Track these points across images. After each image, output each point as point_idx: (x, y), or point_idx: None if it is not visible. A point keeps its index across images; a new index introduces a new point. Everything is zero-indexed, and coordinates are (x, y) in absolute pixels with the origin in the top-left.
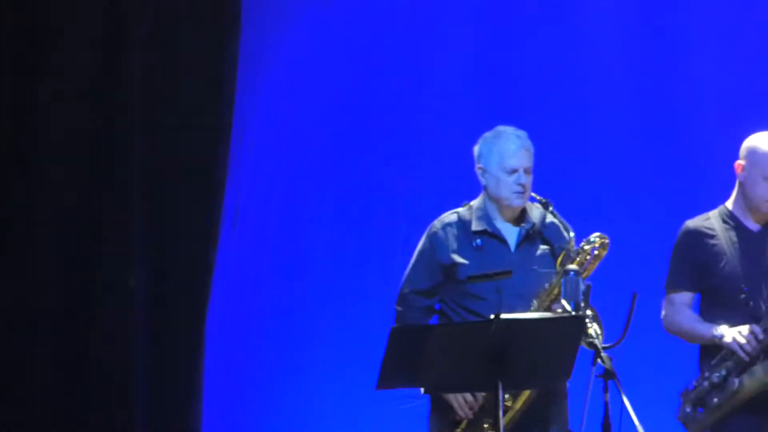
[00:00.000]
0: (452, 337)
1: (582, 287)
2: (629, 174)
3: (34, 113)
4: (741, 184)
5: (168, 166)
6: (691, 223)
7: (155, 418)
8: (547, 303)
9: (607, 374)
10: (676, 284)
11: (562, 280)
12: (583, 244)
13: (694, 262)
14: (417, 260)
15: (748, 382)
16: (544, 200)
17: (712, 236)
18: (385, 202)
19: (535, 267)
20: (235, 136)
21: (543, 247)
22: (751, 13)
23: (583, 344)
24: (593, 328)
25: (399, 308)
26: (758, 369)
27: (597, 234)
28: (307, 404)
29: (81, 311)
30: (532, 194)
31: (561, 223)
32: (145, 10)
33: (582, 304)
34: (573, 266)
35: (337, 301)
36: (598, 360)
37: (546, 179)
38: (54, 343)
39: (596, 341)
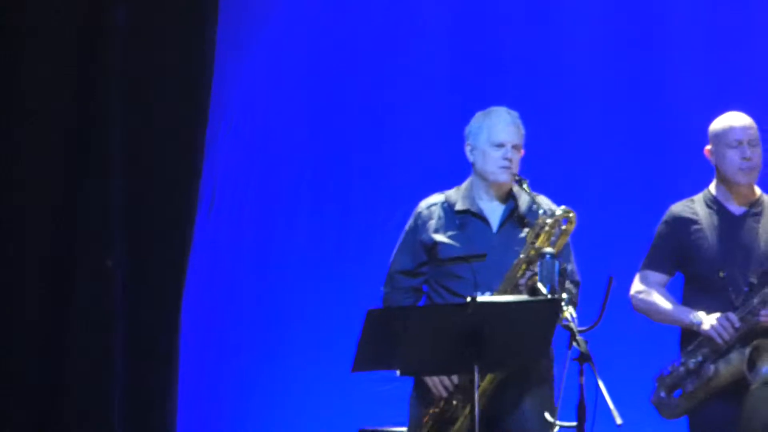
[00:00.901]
0: (428, 319)
1: (557, 270)
2: (606, 157)
3: (11, 92)
4: (716, 168)
5: (145, 150)
6: (675, 207)
7: (132, 398)
8: (514, 280)
9: (582, 357)
10: (653, 265)
11: (538, 263)
12: (543, 217)
13: (675, 247)
14: (403, 240)
15: (724, 369)
16: (518, 177)
17: (696, 221)
18: (363, 190)
19: (517, 248)
20: (213, 122)
21: (526, 230)
22: (735, 8)
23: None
24: (569, 311)
25: (386, 289)
26: (734, 356)
27: (562, 207)
28: (283, 387)
29: (58, 292)
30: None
31: (533, 198)
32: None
33: (557, 287)
34: (548, 249)
35: (313, 286)
36: (574, 343)
37: (523, 165)
38: (30, 325)
39: (572, 324)
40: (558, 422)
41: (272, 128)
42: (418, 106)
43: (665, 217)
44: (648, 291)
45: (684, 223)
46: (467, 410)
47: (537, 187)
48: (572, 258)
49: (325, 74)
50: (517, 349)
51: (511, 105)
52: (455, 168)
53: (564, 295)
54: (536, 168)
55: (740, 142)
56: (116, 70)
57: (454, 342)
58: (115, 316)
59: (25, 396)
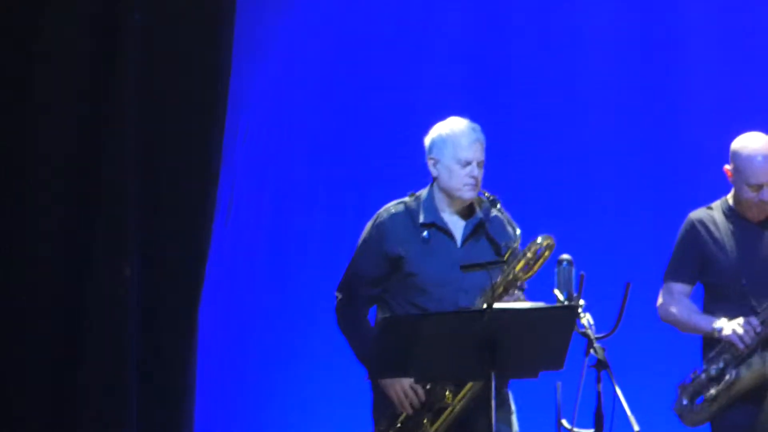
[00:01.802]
0: (444, 326)
1: (575, 277)
2: (622, 165)
3: (28, 104)
4: (733, 186)
5: (162, 158)
6: (694, 215)
7: (147, 407)
8: (491, 301)
9: (599, 364)
10: (677, 275)
11: (555, 270)
12: (529, 245)
13: (695, 255)
14: (363, 249)
15: (746, 374)
16: (492, 197)
17: (714, 229)
18: (379, 195)
19: (480, 264)
20: (229, 128)
21: (487, 243)
22: (743, 12)
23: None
24: (586, 318)
25: (340, 295)
26: (756, 360)
27: (543, 235)
28: (300, 394)
29: (75, 300)
30: (481, 190)
31: (508, 220)
32: (136, 3)
33: (575, 294)
34: (566, 255)
35: (331, 294)
36: (591, 350)
37: (540, 171)
38: (48, 331)
39: (589, 331)
40: (576, 429)
41: (288, 135)
42: (438, 110)
43: (684, 225)
44: (672, 302)
45: (703, 232)
46: (434, 429)
47: (551, 195)
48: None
49: (343, 79)
50: (533, 356)
51: (523, 112)
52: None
53: (582, 302)
54: (553, 174)
55: (760, 187)
56: (132, 75)
57: (469, 349)
58: (131, 323)
59: (39, 400)
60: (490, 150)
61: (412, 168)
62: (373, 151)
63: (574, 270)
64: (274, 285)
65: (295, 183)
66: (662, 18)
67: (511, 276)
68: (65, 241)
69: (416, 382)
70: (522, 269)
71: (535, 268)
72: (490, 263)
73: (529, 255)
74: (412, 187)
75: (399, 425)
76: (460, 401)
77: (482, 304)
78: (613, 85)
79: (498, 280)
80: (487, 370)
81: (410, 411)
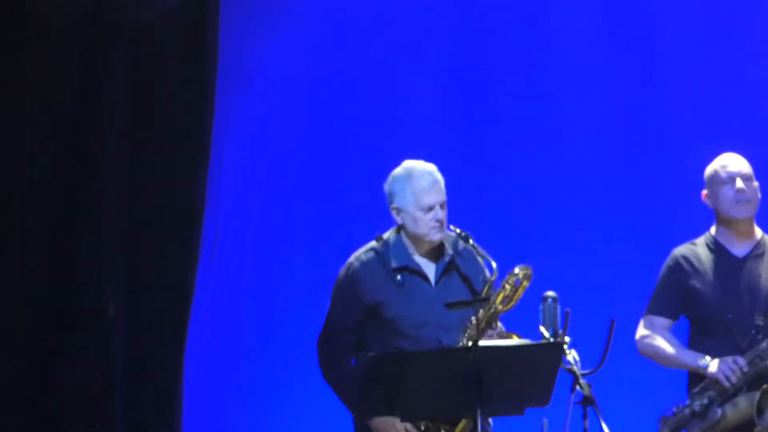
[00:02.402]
0: (430, 364)
1: (560, 313)
2: (607, 201)
3: (8, 141)
4: (715, 211)
5: (145, 193)
6: (678, 250)
7: None
8: (474, 336)
9: (586, 401)
10: (659, 309)
11: (540, 307)
12: (507, 277)
13: (679, 289)
14: (339, 298)
15: (731, 413)
16: (463, 233)
17: (698, 264)
18: (365, 228)
19: (456, 299)
20: (213, 163)
21: (460, 280)
22: (728, 21)
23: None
24: (572, 354)
25: (327, 348)
26: (742, 400)
27: (520, 266)
28: (284, 428)
29: (58, 339)
30: (451, 227)
31: (479, 253)
32: (122, 34)
33: (560, 331)
34: (551, 293)
35: (315, 325)
36: (577, 386)
37: (523, 206)
38: (31, 372)
39: (575, 367)
40: None
41: (273, 169)
42: (417, 142)
43: (668, 260)
44: (653, 336)
45: (687, 267)
46: None
47: (538, 224)
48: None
49: (324, 113)
50: (520, 393)
51: (514, 133)
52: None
53: (567, 338)
54: (537, 210)
55: (732, 178)
56: (116, 108)
57: (456, 386)
58: (116, 363)
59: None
60: (474, 182)
61: None
62: (357, 184)
63: (559, 307)
64: (260, 319)
65: (280, 217)
66: (644, 28)
67: (492, 309)
68: (49, 281)
69: (402, 420)
70: (502, 301)
71: (515, 298)
72: (474, 300)
73: (507, 286)
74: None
75: None
76: (462, 425)
77: (466, 340)
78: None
79: (480, 314)
80: (473, 407)
81: None
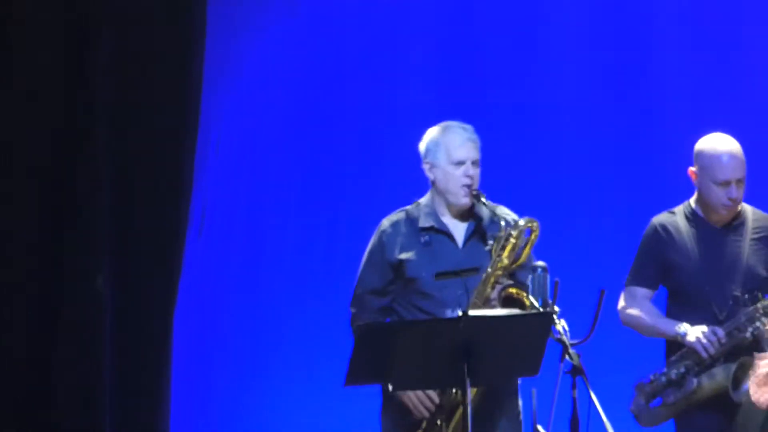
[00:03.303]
0: (420, 334)
1: (549, 284)
2: (596, 171)
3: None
4: (698, 189)
5: (134, 170)
6: (657, 219)
7: (122, 419)
8: (485, 295)
9: (575, 370)
10: (639, 279)
11: (530, 277)
12: (510, 229)
13: (657, 260)
14: (368, 259)
15: (707, 384)
16: (475, 192)
17: (677, 234)
18: (352, 205)
19: (482, 263)
20: (201, 140)
21: (490, 244)
22: (716, 13)
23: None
24: (561, 324)
25: (354, 310)
26: (718, 371)
27: (525, 218)
28: (274, 405)
29: (48, 311)
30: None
31: (493, 211)
32: (110, 13)
33: (550, 301)
34: (540, 263)
35: (303, 303)
36: (566, 356)
37: (512, 178)
38: (20, 343)
39: (564, 337)
40: None
41: (260, 147)
42: (408, 124)
43: (647, 229)
44: (634, 306)
45: (665, 237)
46: (451, 429)
47: (529, 198)
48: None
49: (312, 92)
50: (509, 363)
51: (498, 117)
52: None
53: (556, 308)
54: (527, 180)
55: (728, 183)
56: (103, 92)
57: (445, 356)
58: (105, 339)
59: (13, 409)
60: None
61: (386, 180)
62: (344, 164)
63: (548, 277)
64: (248, 297)
65: (268, 194)
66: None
67: (500, 264)
68: (38, 253)
69: (393, 390)
70: (509, 256)
71: (524, 254)
72: (463, 271)
73: (513, 240)
74: (387, 199)
75: (420, 431)
76: (474, 396)
77: (476, 301)
78: (587, 92)
79: (488, 270)
80: (462, 377)
81: (426, 415)
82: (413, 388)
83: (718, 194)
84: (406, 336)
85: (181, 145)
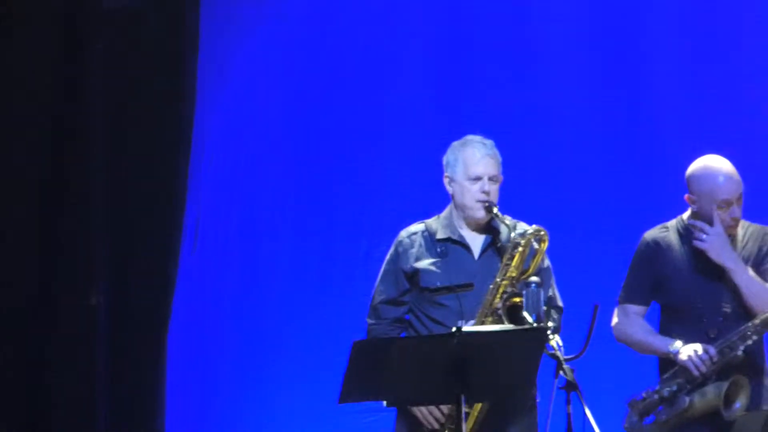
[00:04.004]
0: (414, 350)
1: (543, 299)
2: (591, 187)
3: None
4: (698, 212)
5: (128, 183)
6: (649, 235)
7: None
8: (492, 305)
9: (569, 386)
10: (631, 297)
11: (524, 292)
12: (518, 238)
13: (649, 276)
14: (384, 270)
15: (699, 402)
16: (487, 203)
17: (668, 249)
18: (346, 216)
19: (494, 276)
20: (195, 154)
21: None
22: (714, 19)
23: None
24: (555, 340)
25: (370, 321)
26: (710, 390)
27: (533, 226)
28: (269, 420)
29: (41, 329)
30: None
31: (504, 222)
32: (101, 27)
33: (543, 316)
34: (534, 278)
35: (298, 315)
36: (561, 372)
37: (505, 190)
38: (14, 363)
39: (558, 353)
40: None
41: (254, 158)
42: (402, 133)
43: (639, 245)
44: (626, 322)
45: (657, 252)
46: None
47: (522, 212)
48: (554, 283)
49: (306, 102)
50: (503, 378)
51: (498, 129)
52: (440, 197)
53: (550, 324)
54: (519, 194)
55: (729, 203)
56: (97, 103)
57: (440, 372)
58: (99, 356)
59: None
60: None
61: (381, 188)
62: (338, 175)
63: (542, 293)
64: (242, 308)
65: (262, 206)
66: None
67: (508, 273)
68: (33, 267)
69: (388, 405)
70: (517, 266)
71: (534, 263)
72: (459, 286)
73: (521, 249)
74: (383, 207)
75: None
76: (478, 408)
77: (484, 311)
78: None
79: (496, 280)
80: (457, 392)
81: (436, 426)
82: (409, 404)
83: (723, 217)
84: (401, 351)
85: (175, 158)
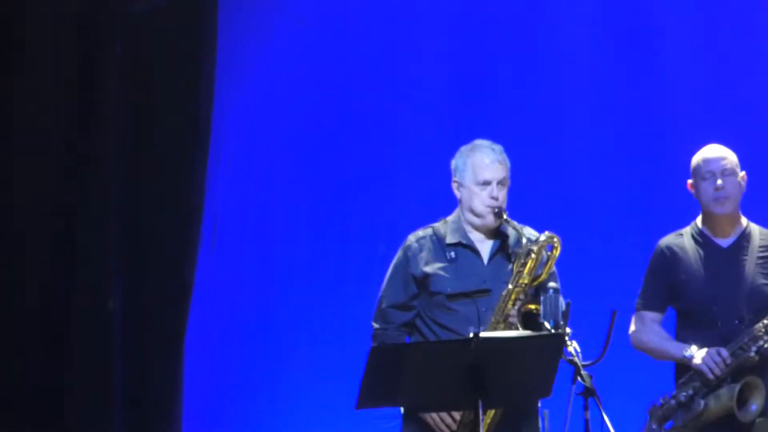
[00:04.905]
0: (432, 355)
1: (562, 305)
2: (608, 192)
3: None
4: (700, 202)
5: (145, 188)
6: (664, 242)
7: None
8: (505, 312)
9: (587, 392)
10: (647, 304)
11: (542, 298)
12: (531, 245)
13: (664, 283)
14: (392, 274)
15: (714, 405)
16: (497, 209)
17: (683, 254)
18: (363, 221)
19: (505, 281)
20: (212, 158)
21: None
22: (728, 20)
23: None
24: (573, 346)
25: (376, 325)
26: (724, 392)
27: (546, 233)
28: (287, 424)
29: (58, 335)
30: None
31: (514, 228)
32: (119, 30)
33: (561, 322)
34: (552, 284)
35: (315, 319)
36: (578, 377)
37: (521, 195)
38: (32, 371)
39: (576, 359)
40: None
41: (271, 163)
42: (418, 136)
43: (654, 252)
44: (642, 330)
45: (671, 258)
46: None
47: (537, 217)
48: (557, 282)
49: (323, 107)
50: (521, 384)
51: (515, 133)
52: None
53: (568, 330)
54: (534, 200)
55: (712, 173)
56: (112, 107)
57: (457, 378)
58: (117, 357)
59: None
60: None
61: (397, 189)
62: (355, 178)
63: (560, 298)
64: (260, 313)
65: (279, 211)
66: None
67: (521, 281)
68: (49, 268)
69: (405, 411)
70: (530, 273)
71: (546, 269)
72: (475, 292)
73: (534, 256)
74: (399, 207)
75: None
76: (491, 415)
77: (497, 318)
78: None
79: (509, 287)
80: (474, 398)
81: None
82: (425, 410)
83: (707, 189)
84: (418, 358)
85: (192, 159)
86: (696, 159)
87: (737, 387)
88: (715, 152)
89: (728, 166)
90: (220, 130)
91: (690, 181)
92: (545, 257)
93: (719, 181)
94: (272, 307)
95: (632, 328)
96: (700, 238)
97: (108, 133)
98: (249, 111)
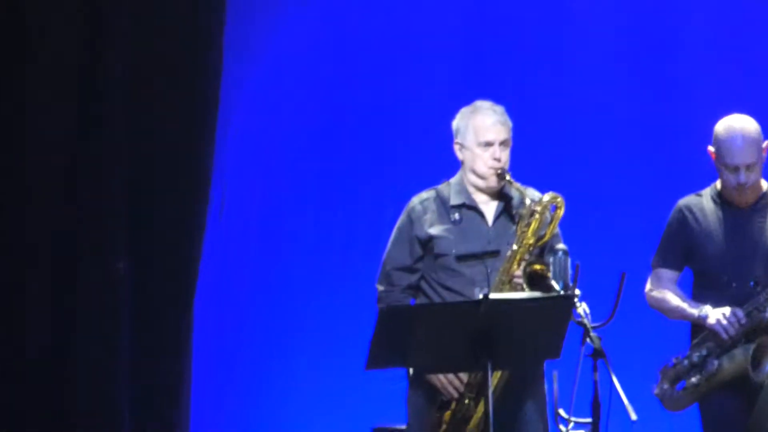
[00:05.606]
0: (441, 317)
1: (570, 266)
2: (617, 155)
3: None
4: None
5: (153, 158)
6: (683, 201)
7: (141, 406)
8: (510, 273)
9: (596, 353)
10: (664, 262)
11: (551, 260)
12: (534, 205)
13: (683, 242)
14: (396, 237)
15: (728, 366)
16: (500, 171)
17: (702, 215)
18: (370, 192)
19: (510, 243)
20: (220, 129)
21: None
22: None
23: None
24: (582, 308)
25: (381, 287)
26: (738, 353)
27: (550, 193)
28: (296, 386)
29: (66, 298)
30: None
31: (518, 189)
32: (125, 3)
33: (571, 284)
34: (561, 245)
35: (323, 289)
36: (587, 339)
37: (534, 162)
38: (38, 330)
39: (585, 320)
40: (573, 419)
41: (278, 135)
42: (425, 109)
43: (673, 212)
44: (658, 289)
45: (690, 219)
46: (480, 408)
47: (544, 182)
48: (561, 241)
49: (330, 81)
50: (530, 347)
51: (519, 102)
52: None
53: (577, 291)
54: (546, 165)
55: (737, 168)
56: (120, 75)
57: (466, 340)
58: (123, 320)
59: (31, 396)
60: None
61: (405, 165)
62: (362, 149)
63: (569, 260)
64: (268, 281)
65: (286, 182)
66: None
67: (525, 241)
68: (57, 237)
69: (414, 374)
70: (534, 233)
71: (550, 230)
72: (486, 254)
73: (538, 216)
74: (406, 182)
75: (449, 412)
76: (498, 377)
77: (501, 279)
78: (607, 77)
79: (514, 248)
80: (483, 360)
81: (455, 395)
82: (434, 371)
83: (729, 180)
84: (427, 319)
85: (200, 133)
86: (724, 138)
87: (752, 347)
88: (746, 142)
89: (754, 157)
90: (228, 99)
91: (711, 149)
92: (549, 217)
93: (743, 177)
94: (280, 277)
95: (648, 286)
96: (719, 200)
97: (116, 106)
98: (257, 83)
